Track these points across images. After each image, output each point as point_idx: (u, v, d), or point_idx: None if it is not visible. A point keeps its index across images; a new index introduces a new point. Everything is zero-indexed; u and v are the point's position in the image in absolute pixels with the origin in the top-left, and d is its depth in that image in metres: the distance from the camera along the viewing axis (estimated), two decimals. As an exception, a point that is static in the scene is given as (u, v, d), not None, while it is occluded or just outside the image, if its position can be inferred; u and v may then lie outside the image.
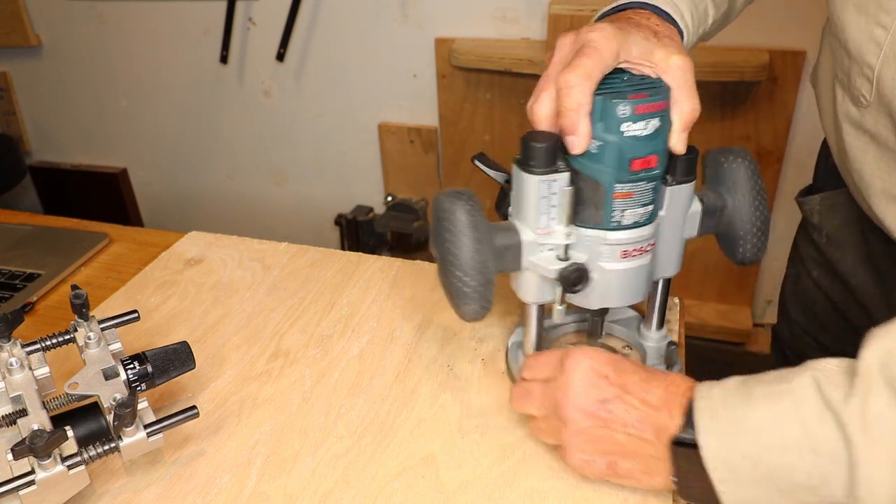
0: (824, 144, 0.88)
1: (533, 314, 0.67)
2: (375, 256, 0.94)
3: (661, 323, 0.72)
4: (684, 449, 0.52)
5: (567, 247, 0.61)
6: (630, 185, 0.59)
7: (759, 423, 0.49)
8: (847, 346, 0.90)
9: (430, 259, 0.89)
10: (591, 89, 0.57)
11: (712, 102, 1.78)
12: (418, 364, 0.75)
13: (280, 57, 2.04)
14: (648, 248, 0.62)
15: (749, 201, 0.66)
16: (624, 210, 0.60)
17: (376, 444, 0.65)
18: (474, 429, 0.67)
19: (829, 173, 0.84)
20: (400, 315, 0.83)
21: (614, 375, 0.57)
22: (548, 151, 0.59)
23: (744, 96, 1.76)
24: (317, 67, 2.11)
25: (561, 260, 0.61)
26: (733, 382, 0.53)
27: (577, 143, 0.57)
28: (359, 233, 2.21)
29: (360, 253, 0.95)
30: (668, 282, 0.70)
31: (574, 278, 0.61)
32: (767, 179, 1.81)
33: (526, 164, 0.60)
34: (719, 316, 2.04)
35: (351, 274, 0.91)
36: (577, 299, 0.64)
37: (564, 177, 0.60)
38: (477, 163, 0.70)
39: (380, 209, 2.24)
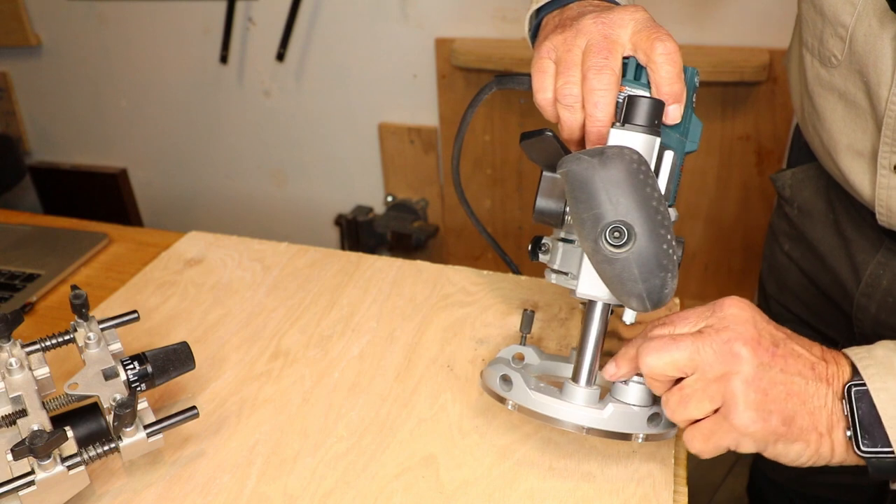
0: (797, 128, 0.92)
1: (601, 319, 0.59)
2: (375, 256, 0.94)
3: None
4: (860, 393, 0.50)
5: None
6: (682, 158, 0.60)
7: None
8: (819, 311, 0.93)
9: (430, 259, 0.89)
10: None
11: (712, 102, 1.78)
12: (418, 364, 0.75)
13: (280, 57, 2.04)
14: None
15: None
16: (678, 185, 0.59)
17: (376, 444, 0.65)
18: (474, 429, 0.67)
19: (801, 151, 0.89)
20: (400, 315, 0.83)
21: (771, 323, 0.54)
22: (660, 108, 0.55)
23: (744, 96, 1.76)
24: (317, 67, 2.11)
25: None
26: (891, 344, 0.52)
27: (679, 110, 0.57)
28: (359, 233, 2.21)
29: (360, 253, 0.95)
30: None
31: (681, 255, 0.55)
32: (768, 179, 1.81)
33: (638, 125, 0.55)
34: (719, 316, 2.04)
35: (351, 274, 0.91)
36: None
37: (659, 143, 0.56)
38: (549, 134, 0.61)
39: (380, 209, 2.24)
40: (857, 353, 0.53)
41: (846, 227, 0.82)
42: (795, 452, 0.52)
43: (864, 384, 0.51)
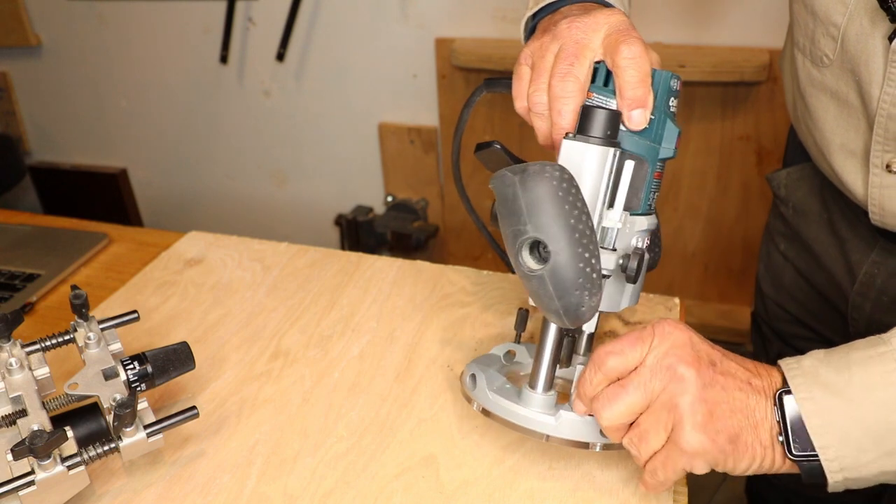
0: (791, 128, 0.92)
1: (556, 328, 0.60)
2: (375, 256, 0.94)
3: (590, 346, 0.67)
4: (786, 400, 0.51)
5: (616, 236, 0.57)
6: (661, 164, 0.59)
7: (862, 386, 0.49)
8: (814, 311, 0.93)
9: (430, 259, 0.89)
10: (650, 63, 0.56)
11: (712, 102, 1.78)
12: (418, 364, 0.75)
13: (280, 57, 2.04)
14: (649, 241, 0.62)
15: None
16: (655, 192, 0.59)
17: (376, 444, 0.65)
18: (474, 429, 0.67)
19: (796, 151, 0.89)
20: (400, 315, 0.83)
21: (706, 344, 0.54)
22: (615, 119, 0.55)
23: (744, 96, 1.76)
24: (317, 67, 2.11)
25: (610, 250, 0.57)
26: (819, 354, 0.53)
27: (644, 116, 0.56)
28: (359, 233, 2.21)
29: (360, 253, 0.95)
30: None
31: (640, 266, 0.56)
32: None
33: (590, 135, 0.55)
34: (719, 316, 2.04)
35: (351, 274, 0.91)
36: (605, 303, 0.59)
37: (619, 154, 0.56)
38: (498, 147, 0.63)
39: (380, 209, 2.24)
40: (787, 363, 0.53)
41: (841, 227, 0.82)
42: (744, 466, 0.53)
43: (786, 393, 0.52)
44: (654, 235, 0.68)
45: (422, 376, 0.73)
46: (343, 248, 2.28)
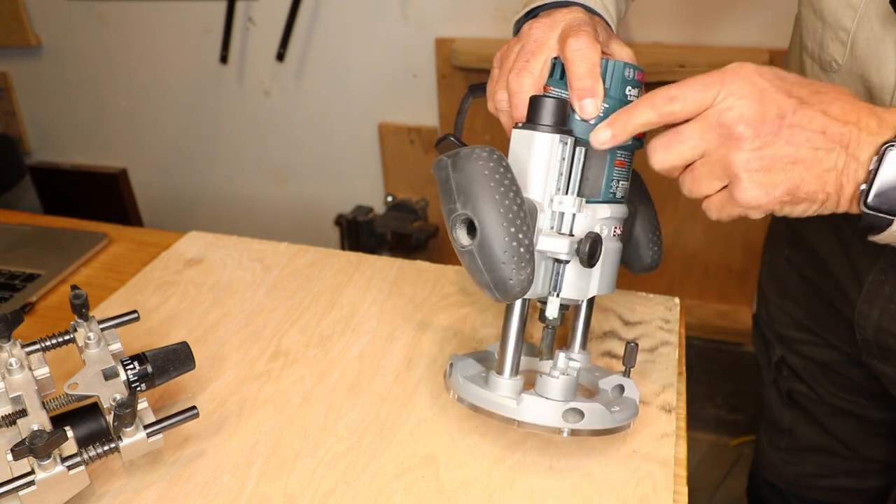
0: None
1: (518, 314, 0.61)
2: (375, 256, 0.94)
3: (584, 344, 0.69)
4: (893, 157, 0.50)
5: (573, 220, 0.59)
6: (625, 152, 0.60)
7: None
8: (820, 317, 0.93)
9: (430, 259, 0.89)
10: (600, 53, 0.58)
11: (712, 102, 1.78)
12: (418, 364, 0.75)
13: (280, 57, 2.04)
14: (621, 231, 0.63)
15: (651, 206, 0.68)
16: (619, 181, 0.61)
17: (376, 444, 0.65)
18: (474, 429, 0.67)
19: None
20: (400, 315, 0.83)
21: (787, 87, 0.53)
22: (561, 106, 0.57)
23: (744, 96, 1.77)
24: (317, 67, 2.11)
25: (566, 235, 0.59)
26: None
27: (594, 105, 0.57)
28: (359, 233, 2.21)
29: (360, 253, 0.95)
30: (592, 297, 0.67)
31: (594, 250, 0.57)
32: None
33: (538, 123, 0.57)
34: (719, 316, 2.04)
35: (351, 274, 0.91)
36: (570, 290, 0.61)
37: (573, 141, 0.59)
38: (451, 139, 0.66)
39: (380, 209, 2.24)
40: None
41: (846, 233, 0.82)
42: (801, 210, 0.54)
43: None
44: (651, 233, 0.68)
45: (422, 376, 0.73)
46: (343, 248, 2.28)
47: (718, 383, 2.03)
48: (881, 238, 0.54)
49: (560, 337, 0.80)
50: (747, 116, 0.51)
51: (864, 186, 0.51)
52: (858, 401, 0.95)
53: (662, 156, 0.54)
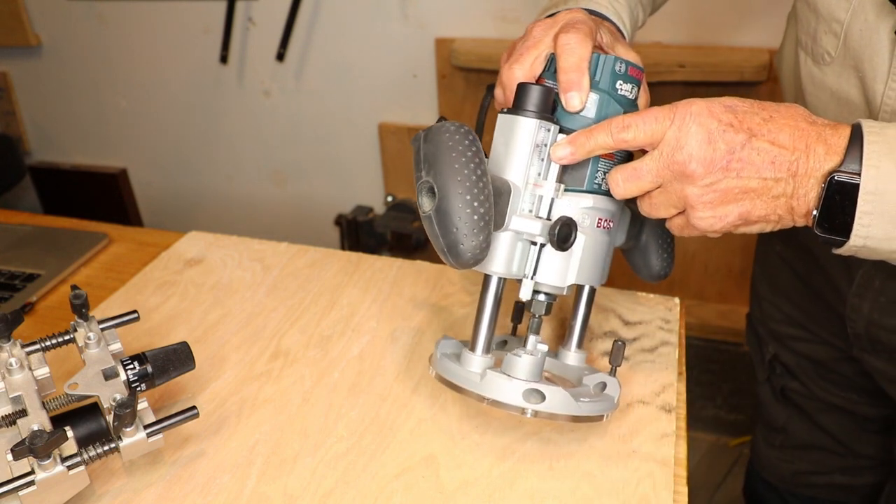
0: None
1: (493, 290, 0.63)
2: (375, 256, 0.94)
3: (581, 342, 0.69)
4: (840, 179, 0.53)
5: (551, 205, 0.61)
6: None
7: None
8: (811, 312, 0.93)
9: (430, 259, 0.90)
10: (591, 49, 0.60)
11: (712, 102, 1.78)
12: (418, 364, 0.75)
13: (280, 57, 2.04)
14: (611, 224, 0.63)
15: None
16: (605, 172, 0.62)
17: (376, 444, 0.65)
18: (474, 429, 0.67)
19: None
20: (400, 315, 0.83)
21: (737, 120, 0.55)
22: (545, 94, 0.60)
23: (744, 96, 1.76)
24: (317, 67, 2.11)
25: (542, 219, 0.61)
26: None
27: (579, 98, 0.60)
28: (359, 233, 2.21)
29: (360, 253, 0.95)
30: (592, 293, 0.68)
31: (565, 234, 0.59)
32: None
33: (521, 109, 0.60)
34: (719, 316, 2.04)
35: (351, 274, 0.91)
36: (548, 275, 0.62)
37: (556, 129, 0.60)
38: (442, 120, 0.66)
39: (380, 209, 2.24)
40: (870, 127, 0.54)
41: None
42: (757, 229, 0.58)
43: (845, 172, 0.53)
44: (662, 239, 0.69)
45: (422, 376, 0.73)
46: (343, 248, 2.28)
47: (718, 383, 2.03)
48: (842, 252, 0.56)
49: (560, 337, 0.80)
50: (697, 156, 0.54)
51: (815, 212, 0.54)
52: (850, 397, 0.95)
53: (623, 188, 0.59)
